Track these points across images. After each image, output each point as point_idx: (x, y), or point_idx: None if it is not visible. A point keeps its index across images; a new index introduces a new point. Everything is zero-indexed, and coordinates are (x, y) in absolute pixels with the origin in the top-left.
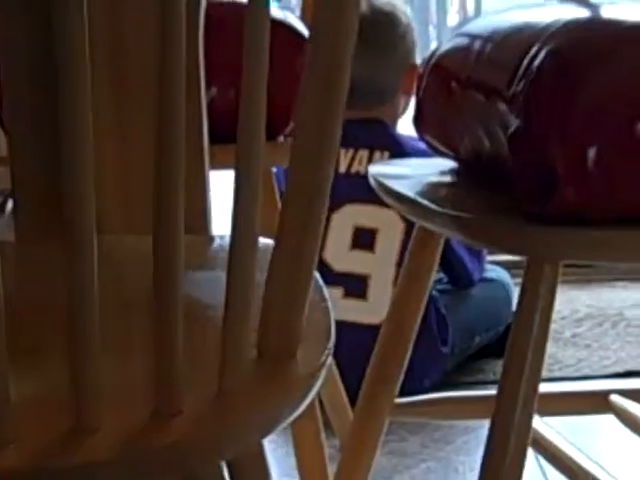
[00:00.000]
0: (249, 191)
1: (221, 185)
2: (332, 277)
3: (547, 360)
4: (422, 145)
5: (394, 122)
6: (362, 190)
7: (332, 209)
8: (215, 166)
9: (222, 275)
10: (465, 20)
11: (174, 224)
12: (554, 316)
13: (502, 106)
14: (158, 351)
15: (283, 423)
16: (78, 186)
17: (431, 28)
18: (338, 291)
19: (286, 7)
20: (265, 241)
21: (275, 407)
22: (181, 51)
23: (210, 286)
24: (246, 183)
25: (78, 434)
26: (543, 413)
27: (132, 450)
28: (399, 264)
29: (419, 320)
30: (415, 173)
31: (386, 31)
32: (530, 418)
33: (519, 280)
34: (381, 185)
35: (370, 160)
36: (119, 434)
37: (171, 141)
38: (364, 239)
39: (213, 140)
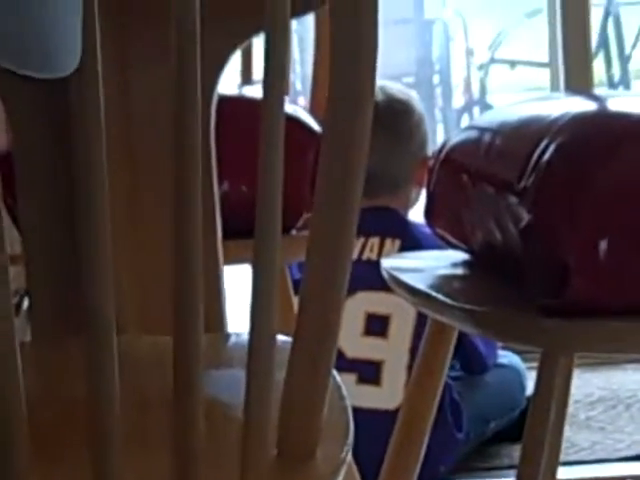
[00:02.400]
0: (267, 288)
1: (234, 280)
2: (345, 363)
3: (562, 444)
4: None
5: (405, 212)
6: (374, 277)
7: (345, 296)
8: (228, 261)
9: (240, 374)
10: (470, 102)
11: (194, 324)
12: None
13: (513, 199)
14: (179, 452)
15: None
16: (98, 283)
17: (437, 111)
18: (351, 377)
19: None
20: (282, 338)
21: None
22: (197, 148)
23: (228, 385)
24: (264, 280)
25: None
26: None
27: None
28: (412, 349)
29: (434, 411)
30: (427, 266)
31: (402, 120)
32: None
33: (531, 364)
34: (394, 278)
35: (381, 247)
36: None
37: (189, 238)
38: (376, 325)
39: (225, 235)
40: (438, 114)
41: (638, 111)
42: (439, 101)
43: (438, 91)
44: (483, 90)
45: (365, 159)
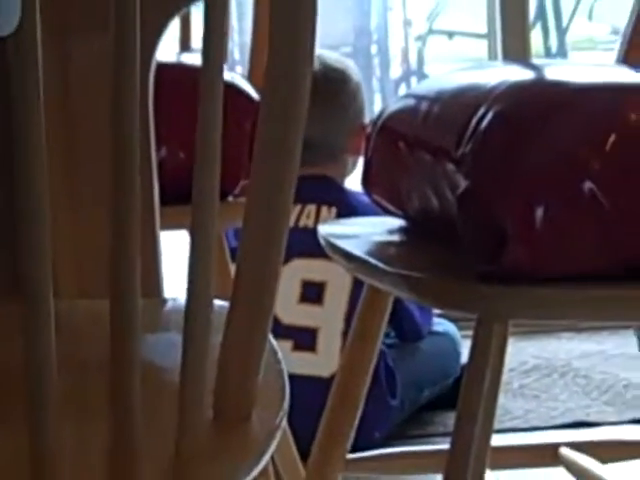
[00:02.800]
0: (204, 253)
1: (170, 246)
2: (281, 330)
3: (497, 411)
4: (369, 200)
5: (342, 180)
6: (310, 244)
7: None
8: (166, 227)
9: (177, 338)
10: (407, 72)
11: (131, 288)
12: None
13: (450, 166)
14: (115, 416)
15: None
16: (34, 248)
17: (374, 81)
18: (287, 344)
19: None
20: (219, 303)
21: (231, 469)
22: (134, 115)
23: (165, 349)
24: (201, 245)
25: None
26: (494, 467)
27: None
28: (348, 317)
29: (369, 378)
30: (364, 232)
31: (338, 89)
32: (483, 474)
33: (467, 332)
34: (330, 244)
35: (318, 215)
36: None
37: (126, 205)
38: (312, 293)
39: (163, 201)
40: (376, 84)
41: (574, 79)
42: (377, 71)
43: (376, 61)
44: (421, 61)
45: (303, 126)
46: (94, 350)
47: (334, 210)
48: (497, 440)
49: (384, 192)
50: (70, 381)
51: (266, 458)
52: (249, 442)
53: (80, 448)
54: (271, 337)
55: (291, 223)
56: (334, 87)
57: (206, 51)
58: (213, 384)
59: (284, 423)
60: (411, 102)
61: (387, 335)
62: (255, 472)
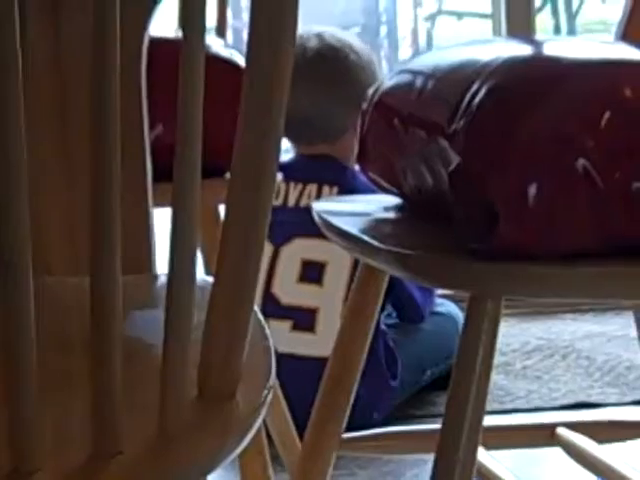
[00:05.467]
0: (186, 228)
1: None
2: (280, 310)
3: (498, 392)
4: None
5: (347, 160)
6: (311, 224)
7: (281, 243)
8: (160, 204)
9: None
10: (416, 54)
11: (111, 264)
12: (505, 348)
13: (443, 143)
14: (96, 392)
15: (223, 462)
16: (13, 232)
17: (383, 62)
18: (286, 324)
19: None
20: (205, 278)
21: (215, 446)
22: (115, 88)
23: (152, 325)
24: (183, 220)
25: (16, 476)
26: (489, 447)
27: None
28: (347, 298)
29: (364, 355)
30: (358, 210)
31: (332, 67)
32: (475, 452)
33: None
34: (325, 222)
35: (319, 194)
36: (59, 475)
37: (106, 180)
38: (312, 273)
39: (158, 178)
40: (385, 65)
41: (569, 55)
42: (385, 52)
43: (385, 42)
44: (430, 41)
45: (285, 97)
46: (79, 326)
47: (335, 189)
48: (499, 420)
49: (379, 169)
50: (53, 357)
51: (250, 435)
52: (233, 419)
53: (61, 423)
54: (259, 313)
55: (292, 203)
56: (331, 65)
57: (186, 22)
58: (197, 361)
59: (270, 399)
60: (406, 78)
61: (388, 315)
62: (239, 449)
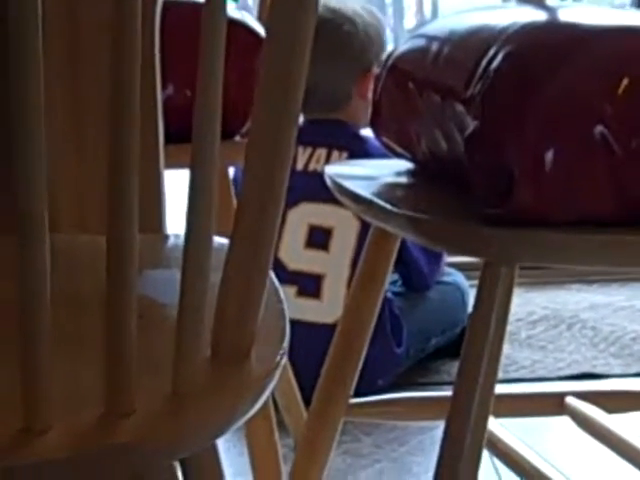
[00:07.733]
0: (204, 190)
1: (176, 184)
2: (286, 275)
3: (503, 361)
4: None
5: (357, 125)
6: (319, 189)
7: (288, 206)
8: (170, 165)
9: (177, 274)
10: (422, 22)
11: (129, 223)
12: (510, 318)
13: (459, 108)
14: (110, 350)
15: (236, 423)
16: (31, 182)
17: (388, 31)
18: (292, 290)
19: (243, 7)
20: (220, 241)
21: (228, 407)
22: (136, 50)
23: (165, 285)
24: (201, 182)
25: (29, 433)
26: (498, 415)
27: (84, 449)
28: (354, 264)
29: (374, 321)
30: (372, 174)
31: (325, 39)
32: (486, 420)
33: (475, 282)
34: (337, 185)
35: (328, 159)
36: (71, 433)
37: (125, 140)
38: (319, 238)
39: (168, 139)
40: (390, 34)
41: (587, 21)
42: (391, 21)
43: (390, 11)
44: (435, 11)
45: (306, 64)
46: (92, 284)
47: (345, 154)
48: (503, 389)
49: (393, 134)
50: (67, 315)
51: (264, 397)
52: (247, 380)
53: (74, 382)
54: (274, 277)
55: (300, 167)
56: (325, 37)
57: None
58: (212, 322)
59: (284, 362)
60: (421, 42)
61: (394, 283)
62: (253, 410)
